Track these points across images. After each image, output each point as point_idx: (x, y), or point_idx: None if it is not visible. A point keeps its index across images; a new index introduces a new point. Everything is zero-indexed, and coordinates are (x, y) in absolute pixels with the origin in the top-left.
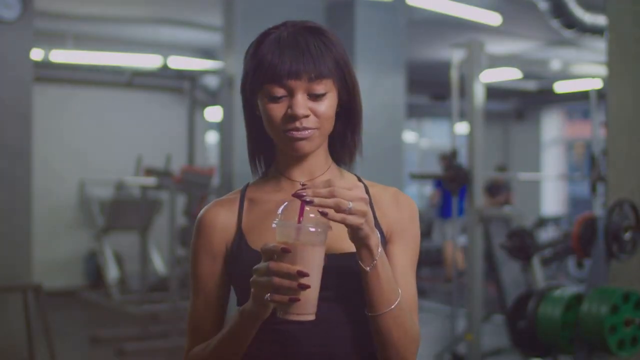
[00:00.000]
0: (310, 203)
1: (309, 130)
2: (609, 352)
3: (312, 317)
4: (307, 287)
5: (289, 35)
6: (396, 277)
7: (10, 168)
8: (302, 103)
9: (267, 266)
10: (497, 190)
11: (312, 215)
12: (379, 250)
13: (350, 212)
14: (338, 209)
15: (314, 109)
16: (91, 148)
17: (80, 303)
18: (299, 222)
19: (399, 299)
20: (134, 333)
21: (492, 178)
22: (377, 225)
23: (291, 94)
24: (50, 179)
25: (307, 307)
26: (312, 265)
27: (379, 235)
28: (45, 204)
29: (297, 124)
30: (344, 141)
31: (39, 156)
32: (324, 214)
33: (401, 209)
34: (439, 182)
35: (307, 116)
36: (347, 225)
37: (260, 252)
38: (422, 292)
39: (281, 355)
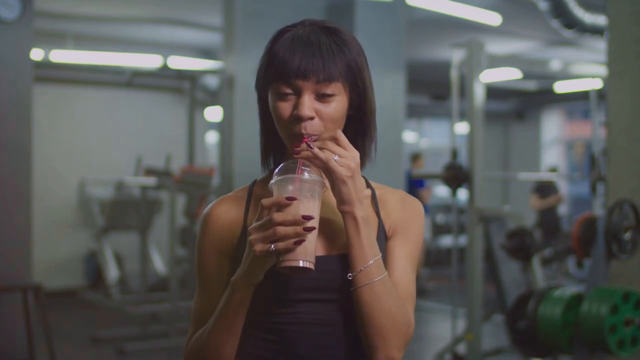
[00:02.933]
0: (306, 146)
1: (312, 137)
2: (609, 352)
3: (312, 266)
4: (313, 228)
5: (303, 34)
6: (393, 267)
7: (11, 168)
8: (307, 104)
9: (270, 219)
10: (548, 190)
11: (307, 171)
12: (366, 226)
13: (336, 162)
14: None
15: (320, 110)
16: (91, 148)
17: (80, 303)
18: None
19: (383, 276)
20: (134, 333)
21: (541, 179)
22: (381, 224)
23: (298, 93)
24: (50, 179)
25: (309, 254)
26: (313, 214)
27: (365, 213)
28: (45, 204)
29: (302, 127)
30: (354, 145)
31: (39, 156)
32: (309, 147)
33: (406, 208)
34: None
35: (312, 118)
36: (331, 169)
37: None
38: (422, 292)
39: (280, 355)
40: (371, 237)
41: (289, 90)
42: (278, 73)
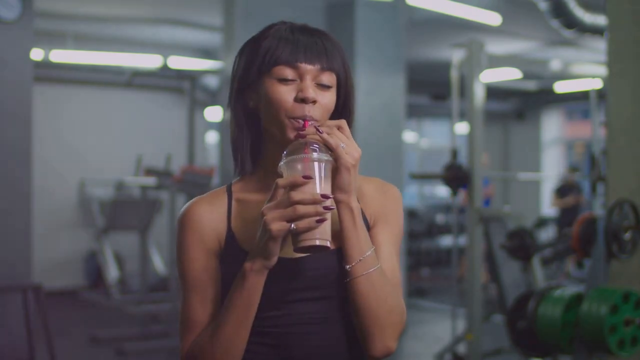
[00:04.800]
0: (315, 130)
1: (313, 123)
2: (609, 352)
3: (329, 244)
4: (333, 208)
5: (300, 29)
6: (379, 255)
7: (10, 168)
8: (311, 87)
9: (288, 198)
10: (566, 191)
11: (316, 150)
12: (360, 217)
13: (343, 149)
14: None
15: (319, 99)
16: (91, 148)
17: (80, 303)
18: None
19: (377, 266)
20: (134, 333)
21: (563, 179)
22: (362, 215)
23: (301, 78)
24: (50, 179)
25: (327, 233)
26: (329, 192)
27: (358, 205)
28: (45, 204)
29: (306, 110)
30: None
31: (39, 156)
32: (319, 132)
33: (385, 195)
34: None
35: (314, 102)
36: (338, 156)
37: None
38: (422, 292)
39: (276, 358)
40: (365, 229)
41: (291, 75)
42: (284, 57)
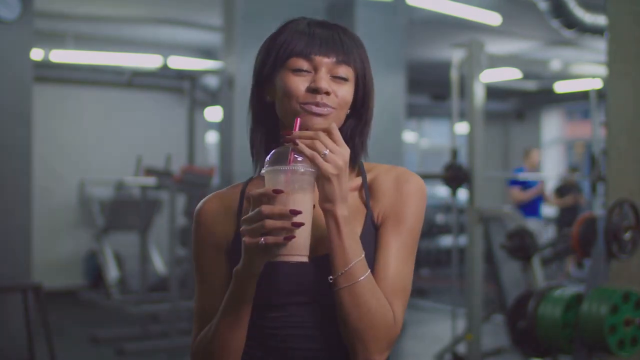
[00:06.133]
0: (292, 139)
1: (328, 108)
2: (609, 352)
3: (305, 259)
4: (301, 224)
5: (318, 23)
6: (384, 259)
7: (10, 168)
8: (326, 79)
9: (259, 211)
10: (565, 190)
11: (300, 159)
12: (347, 226)
13: (324, 157)
14: (312, 147)
15: (335, 90)
16: (91, 148)
17: (80, 303)
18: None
19: (363, 277)
20: (134, 333)
21: (563, 178)
22: (369, 214)
23: (315, 70)
24: (50, 179)
25: (301, 248)
26: (303, 206)
27: (347, 212)
28: (45, 204)
29: (318, 98)
30: (351, 143)
31: (39, 156)
32: (294, 143)
33: (401, 190)
34: (513, 180)
35: (328, 93)
36: (317, 166)
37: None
38: (422, 292)
39: (271, 358)
40: (353, 237)
41: (306, 66)
42: (299, 49)
